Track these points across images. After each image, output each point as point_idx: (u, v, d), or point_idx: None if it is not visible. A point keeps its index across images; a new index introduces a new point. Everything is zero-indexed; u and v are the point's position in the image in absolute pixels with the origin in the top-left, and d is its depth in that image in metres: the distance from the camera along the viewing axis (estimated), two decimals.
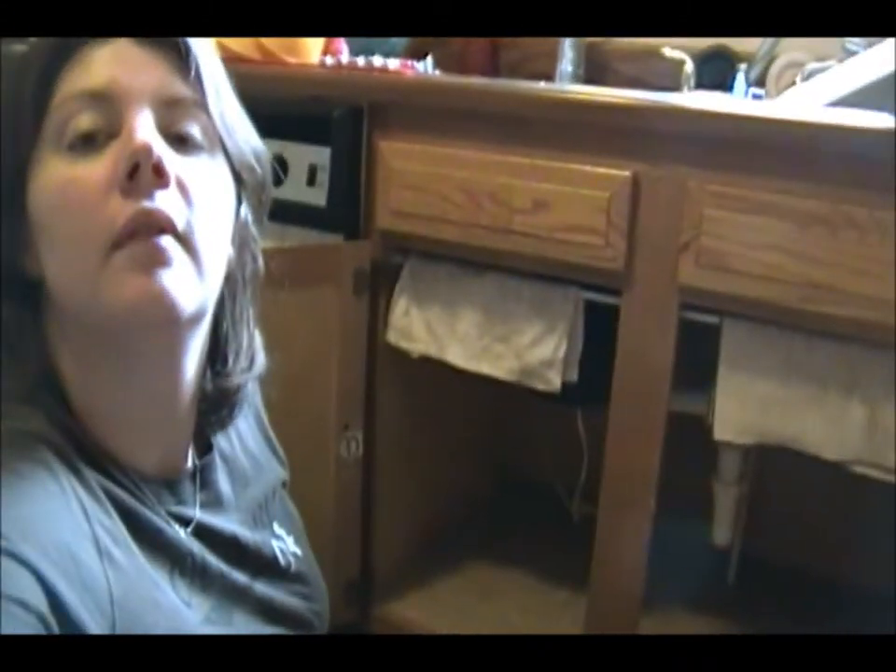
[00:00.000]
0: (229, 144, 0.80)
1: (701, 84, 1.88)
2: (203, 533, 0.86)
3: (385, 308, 1.61)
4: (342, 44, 1.92)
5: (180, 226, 0.73)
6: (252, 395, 0.98)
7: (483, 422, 2.03)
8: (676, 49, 1.91)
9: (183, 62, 0.76)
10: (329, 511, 1.60)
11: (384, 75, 1.68)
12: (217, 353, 0.88)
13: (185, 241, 0.74)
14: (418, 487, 1.82)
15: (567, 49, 2.02)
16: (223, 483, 0.92)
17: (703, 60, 1.90)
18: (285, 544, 0.98)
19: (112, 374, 0.79)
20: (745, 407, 1.31)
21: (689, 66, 1.90)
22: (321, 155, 1.56)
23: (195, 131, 0.77)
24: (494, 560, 1.89)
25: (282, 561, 0.95)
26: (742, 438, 1.33)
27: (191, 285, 0.75)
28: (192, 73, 0.76)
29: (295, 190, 1.55)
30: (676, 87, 1.89)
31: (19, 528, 0.65)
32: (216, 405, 0.90)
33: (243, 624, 0.87)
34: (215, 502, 0.90)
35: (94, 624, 0.68)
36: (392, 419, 1.70)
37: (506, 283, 1.50)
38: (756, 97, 1.75)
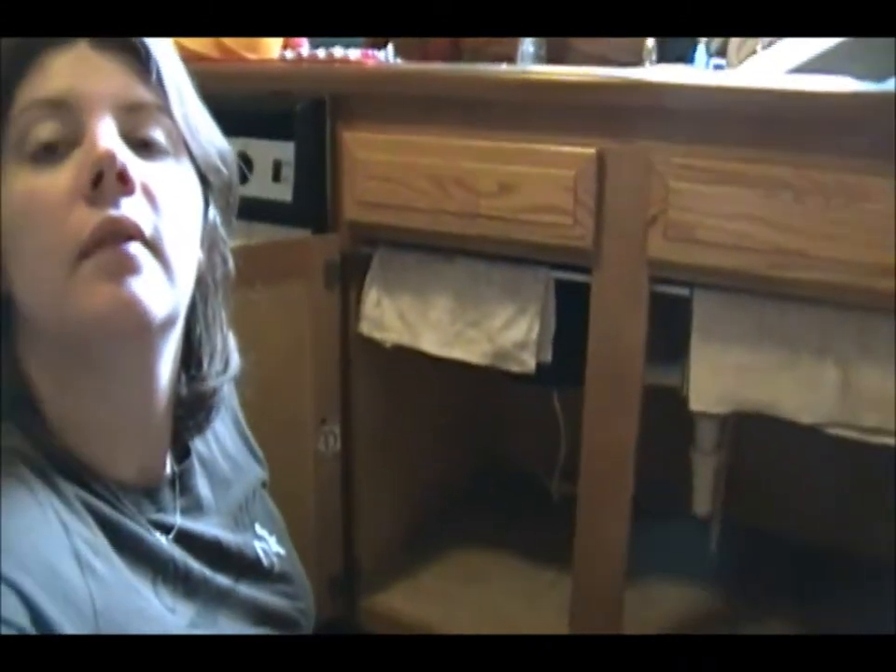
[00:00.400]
0: (193, 146, 0.79)
1: (662, 58, 1.89)
2: (185, 539, 0.85)
3: (356, 300, 1.61)
4: (301, 38, 1.91)
5: (148, 232, 0.72)
6: (228, 397, 0.97)
7: (461, 408, 2.03)
8: None
9: (143, 65, 0.75)
10: (310, 507, 1.60)
11: (344, 66, 1.68)
12: (190, 357, 0.87)
13: (153, 247, 0.72)
14: (398, 478, 1.83)
15: None
16: (202, 487, 0.91)
17: None
18: (267, 544, 0.97)
19: (85, 385, 0.78)
20: (719, 376, 1.32)
21: (651, 41, 1.90)
22: (285, 150, 1.56)
23: (158, 135, 0.76)
24: (478, 545, 1.90)
25: (265, 562, 0.95)
26: (718, 407, 1.34)
27: (161, 291, 0.74)
28: (153, 76, 0.75)
29: (261, 187, 1.55)
30: (638, 62, 1.90)
31: (0, 546, 0.65)
32: (192, 410, 0.89)
33: (228, 627, 0.87)
34: (195, 507, 0.89)
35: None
36: (369, 411, 1.70)
37: (476, 267, 1.50)
38: (717, 68, 1.75)
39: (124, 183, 0.70)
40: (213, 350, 0.88)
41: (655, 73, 1.55)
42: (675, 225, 1.27)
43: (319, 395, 1.57)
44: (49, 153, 0.72)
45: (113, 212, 0.70)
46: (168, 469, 0.87)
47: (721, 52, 1.79)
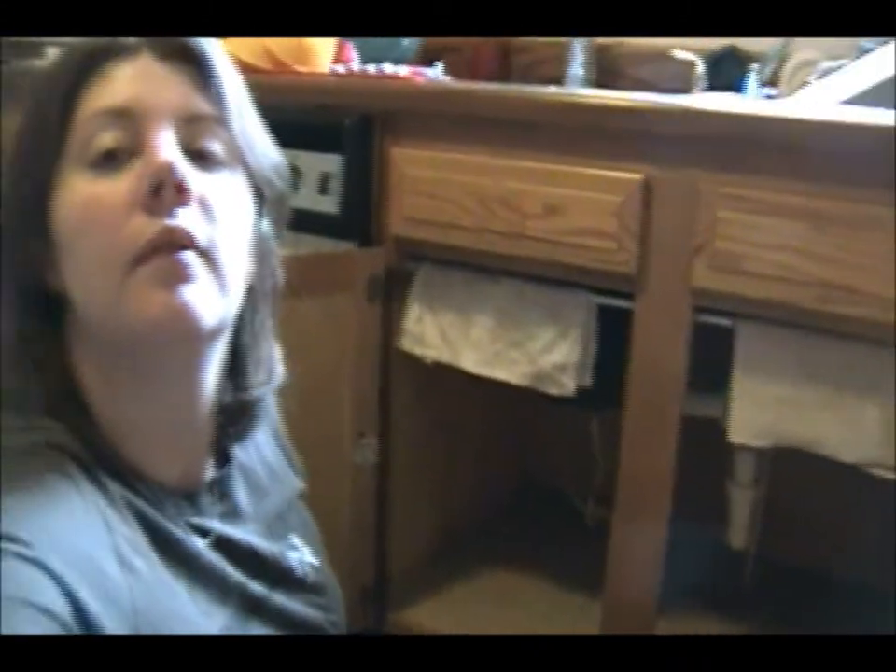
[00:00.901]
0: (248, 159, 0.80)
1: (712, 86, 1.88)
2: (222, 544, 0.86)
3: (398, 315, 1.61)
4: (352, 52, 1.92)
5: (202, 242, 0.74)
6: (270, 407, 0.98)
7: (498, 427, 2.03)
8: (686, 51, 1.91)
9: (204, 78, 0.76)
10: (345, 519, 1.60)
11: (394, 82, 1.68)
12: (236, 365, 0.88)
13: (207, 256, 0.74)
14: (433, 493, 1.82)
15: (578, 53, 2.03)
16: (241, 494, 0.92)
17: (714, 61, 1.90)
18: (301, 555, 0.97)
19: (133, 387, 0.79)
20: (760, 409, 1.31)
21: (699, 68, 1.90)
22: (333, 163, 1.57)
23: (216, 147, 0.77)
24: (509, 566, 1.89)
25: (299, 572, 0.95)
26: (757, 441, 1.33)
27: (213, 299, 0.75)
28: (213, 89, 0.77)
29: (307, 199, 1.55)
30: (687, 89, 1.89)
31: (44, 538, 0.66)
32: (234, 417, 0.90)
33: (267, 627, 0.88)
34: (233, 513, 0.90)
35: (116, 633, 0.68)
36: (407, 426, 1.70)
37: (519, 288, 1.50)
38: (768, 97, 1.74)
39: (181, 193, 0.72)
40: (258, 360, 0.89)
41: (704, 100, 1.54)
42: (720, 254, 1.26)
43: (358, 407, 1.58)
44: (110, 161, 0.73)
45: (169, 221, 0.72)
46: (208, 475, 0.88)
47: (773, 82, 1.79)
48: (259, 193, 0.83)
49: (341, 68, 1.84)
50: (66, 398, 0.78)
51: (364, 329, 1.56)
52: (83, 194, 0.73)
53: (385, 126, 1.55)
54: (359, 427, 1.59)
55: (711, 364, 1.38)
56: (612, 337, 1.45)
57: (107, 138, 0.73)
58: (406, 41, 2.02)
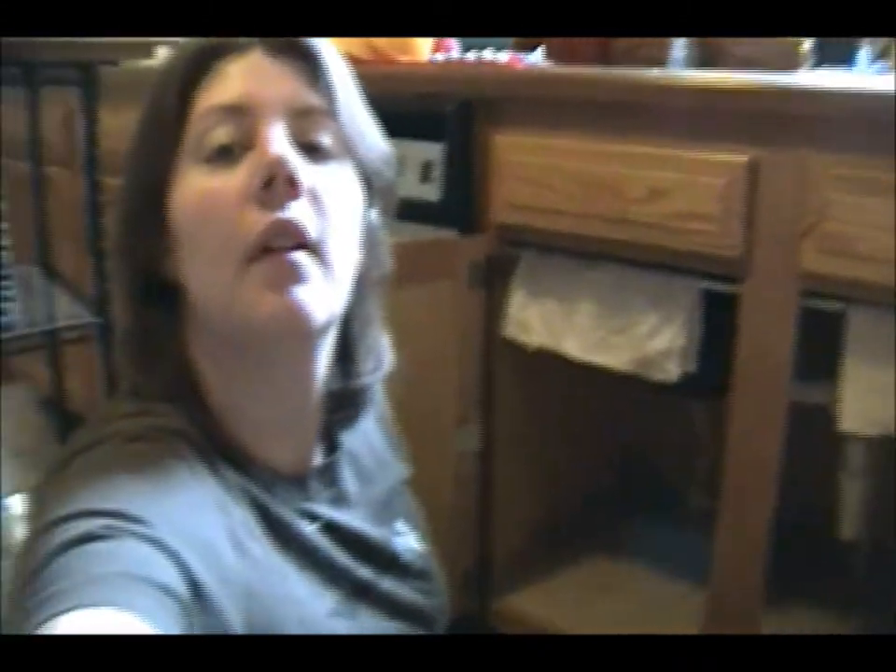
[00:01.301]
0: (358, 150, 0.80)
1: (820, 62, 1.83)
2: (330, 529, 0.86)
3: (501, 301, 1.61)
4: (452, 40, 1.93)
5: (313, 235, 0.74)
6: (378, 393, 0.98)
7: (601, 414, 2.01)
8: None
9: (313, 71, 0.77)
10: (447, 505, 1.61)
11: (494, 69, 1.69)
12: (345, 353, 0.90)
13: (318, 251, 0.75)
14: (536, 480, 1.82)
15: None
16: (349, 480, 0.93)
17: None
18: (407, 541, 0.97)
19: (245, 377, 0.81)
20: (872, 397, 1.28)
21: (806, 45, 1.85)
22: (434, 151, 1.58)
23: (326, 139, 0.78)
24: (611, 552, 1.88)
25: (404, 558, 0.96)
26: (869, 428, 1.30)
27: (323, 296, 0.76)
28: (323, 82, 0.77)
29: (409, 187, 1.57)
30: (793, 67, 1.84)
31: (163, 519, 0.67)
32: (343, 404, 0.92)
33: (367, 619, 0.88)
34: (341, 499, 0.91)
35: (231, 613, 0.70)
36: (510, 412, 1.70)
37: (622, 273, 1.48)
38: (881, 72, 1.68)
39: (293, 187, 0.73)
40: (367, 348, 0.90)
41: (812, 78, 1.50)
42: (830, 237, 1.23)
43: (461, 394, 1.59)
44: (224, 156, 0.75)
45: (281, 215, 0.73)
46: (317, 461, 0.90)
47: (885, 55, 1.73)
48: (367, 184, 0.83)
49: (441, 56, 1.85)
50: (182, 384, 0.81)
51: (466, 316, 1.57)
52: (198, 188, 0.75)
53: (486, 113, 1.56)
54: (462, 413, 1.60)
55: (820, 349, 1.35)
56: (717, 322, 1.43)
57: (221, 133, 0.75)
58: None
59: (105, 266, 1.63)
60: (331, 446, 0.93)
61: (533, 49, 1.91)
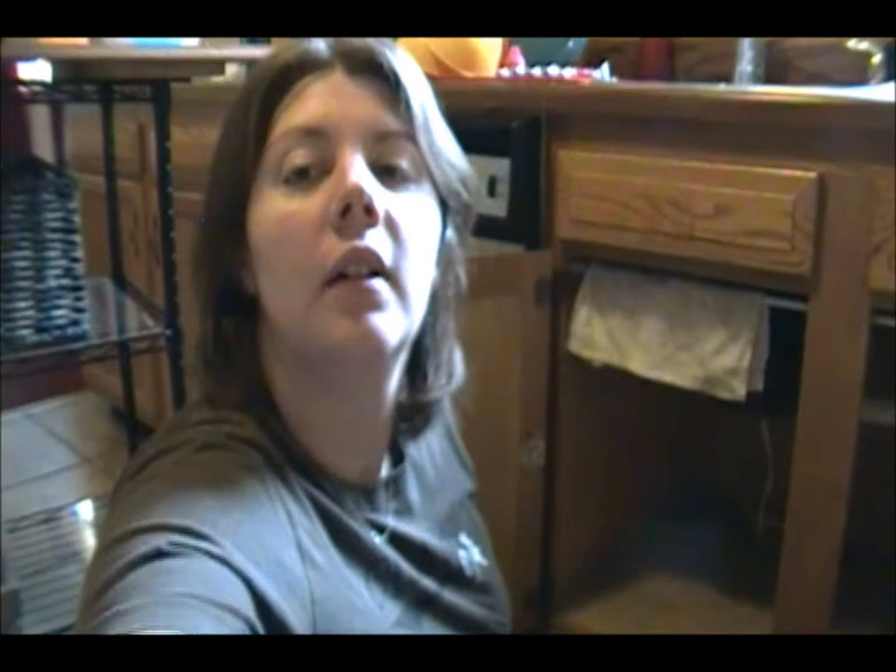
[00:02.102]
0: (435, 172, 0.81)
1: (890, 75, 1.80)
2: (396, 540, 0.88)
3: (566, 317, 1.61)
4: (518, 55, 1.94)
5: (388, 263, 0.76)
6: (445, 407, 0.99)
7: (666, 432, 2.00)
8: (863, 41, 1.83)
9: (393, 93, 0.78)
10: (512, 520, 1.61)
11: (560, 84, 1.69)
12: (417, 367, 0.91)
13: (393, 278, 0.76)
14: (600, 496, 1.82)
15: (746, 49, 1.98)
16: (414, 492, 0.94)
17: (893, 49, 1.81)
18: (471, 554, 0.99)
19: (318, 390, 0.83)
20: None
21: (877, 58, 1.82)
22: (501, 166, 1.58)
23: (404, 162, 0.78)
24: (674, 572, 1.86)
25: (468, 571, 0.97)
26: None
27: (397, 321, 0.77)
28: (402, 105, 0.78)
29: (476, 202, 1.57)
30: (863, 80, 1.82)
31: (231, 534, 0.69)
32: (412, 416, 0.93)
33: (431, 630, 0.89)
34: (406, 510, 0.92)
35: (297, 624, 0.71)
36: (574, 428, 1.70)
37: (688, 290, 1.48)
38: None
39: (370, 215, 0.74)
40: (439, 363, 0.91)
41: (882, 92, 1.48)
42: None
43: (526, 409, 1.59)
44: (302, 177, 0.76)
45: (358, 242, 0.74)
46: (384, 472, 0.91)
47: None
48: (444, 204, 0.84)
49: (507, 72, 1.86)
50: (256, 394, 0.83)
51: (532, 332, 1.57)
52: (278, 210, 0.76)
53: (552, 128, 1.56)
54: (527, 429, 1.60)
55: (891, 369, 1.33)
56: (785, 340, 1.41)
57: (301, 156, 0.76)
58: (571, 43, 2.02)
59: (175, 278, 1.66)
60: (398, 457, 0.94)
61: (599, 64, 1.91)
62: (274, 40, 2.22)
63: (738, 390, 1.43)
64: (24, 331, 1.52)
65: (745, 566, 1.83)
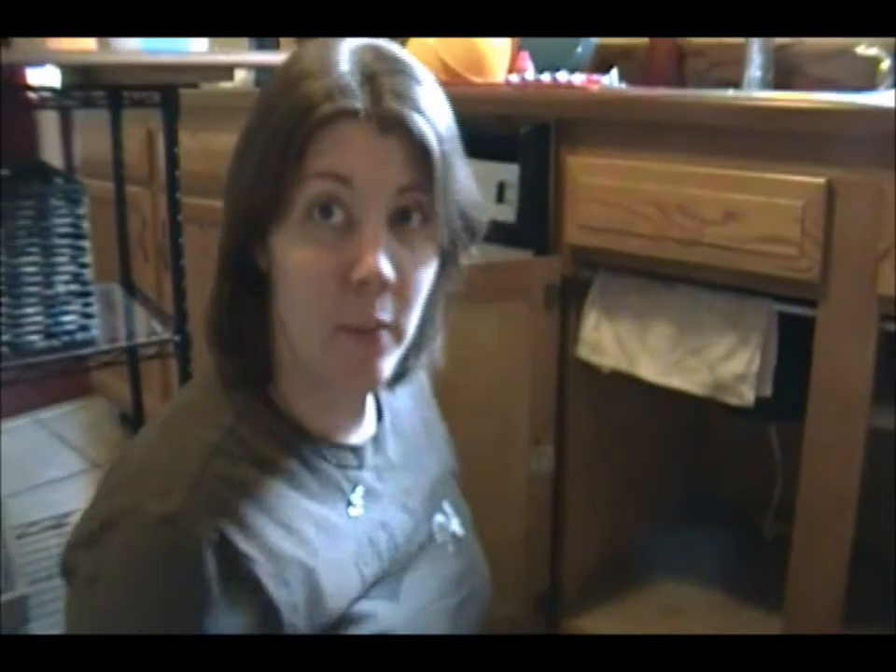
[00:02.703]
0: (446, 220, 0.85)
1: None
2: (378, 496, 0.96)
3: (575, 323, 1.61)
4: (526, 61, 1.94)
5: (392, 320, 0.84)
6: (423, 388, 1.13)
7: (674, 437, 2.00)
8: (872, 46, 1.83)
9: (420, 150, 0.81)
10: (520, 525, 1.61)
11: (569, 90, 1.69)
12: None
13: (396, 330, 0.85)
14: (609, 501, 1.82)
15: (755, 55, 1.98)
16: (395, 452, 1.02)
17: None
18: (448, 523, 1.05)
19: (317, 382, 0.90)
20: None
21: (886, 63, 1.82)
22: (509, 172, 1.58)
23: (417, 216, 0.84)
24: (683, 577, 1.86)
25: (438, 538, 1.03)
26: None
27: (394, 359, 0.88)
28: (426, 164, 0.81)
29: (485, 211, 1.57)
30: (872, 86, 1.82)
31: (236, 524, 0.80)
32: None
33: (412, 590, 0.95)
34: (388, 468, 0.99)
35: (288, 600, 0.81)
36: (583, 434, 1.70)
37: (697, 295, 1.47)
38: None
39: (384, 288, 0.82)
40: (420, 347, 0.97)
41: (891, 98, 1.48)
42: None
43: (535, 415, 1.59)
44: (327, 226, 0.82)
45: (371, 312, 0.82)
46: (369, 432, 0.99)
47: None
48: (448, 247, 0.89)
49: (515, 77, 1.86)
50: (260, 365, 0.91)
51: (540, 337, 1.57)
52: (302, 252, 0.82)
53: (561, 134, 1.56)
54: (535, 434, 1.60)
55: None
56: (794, 346, 1.41)
57: (327, 204, 0.81)
58: (580, 48, 2.02)
59: (183, 283, 1.66)
60: (378, 416, 1.03)
61: (608, 70, 1.91)
62: (283, 41, 2.23)
63: (747, 396, 1.43)
64: (33, 337, 1.53)
65: (753, 571, 1.82)
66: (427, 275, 0.87)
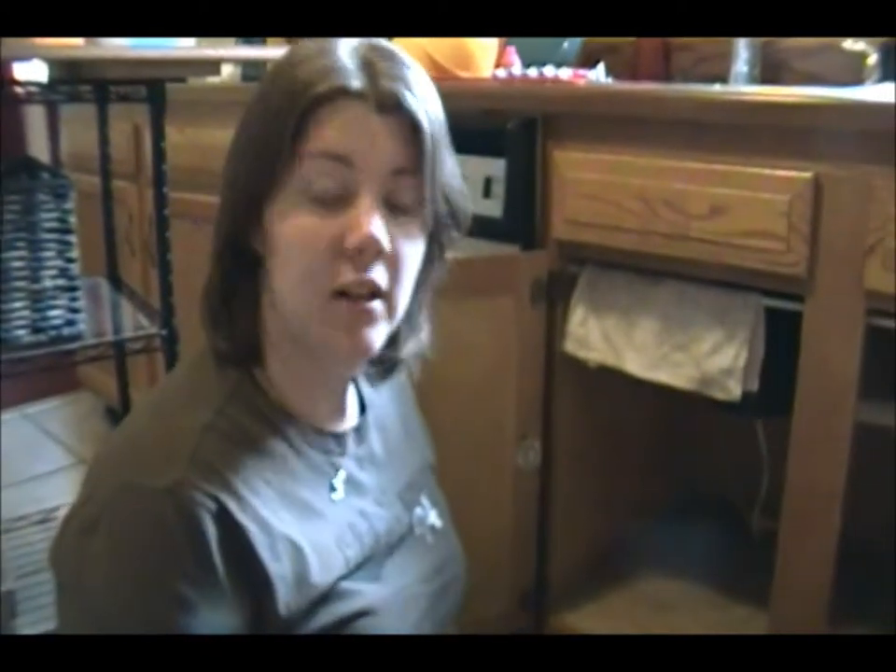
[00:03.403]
0: (435, 206, 0.90)
1: (888, 76, 1.80)
2: (359, 485, 0.98)
3: (562, 318, 1.61)
4: (513, 56, 1.94)
5: (386, 287, 0.88)
6: (403, 385, 1.15)
7: (661, 432, 2.00)
8: (858, 41, 1.83)
9: (413, 133, 0.85)
10: (507, 520, 1.61)
11: (556, 85, 1.69)
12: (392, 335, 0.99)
13: (387, 299, 0.89)
14: (595, 498, 1.82)
15: (742, 50, 1.98)
16: (377, 444, 1.04)
17: (888, 50, 1.81)
18: (426, 515, 1.08)
19: (305, 361, 0.94)
20: None
21: (872, 58, 1.82)
22: (496, 167, 1.58)
23: (408, 198, 0.88)
24: (670, 573, 1.86)
25: (417, 530, 1.05)
26: None
27: (385, 331, 0.91)
28: (418, 146, 0.86)
29: (471, 202, 1.57)
30: (858, 81, 1.82)
31: (233, 496, 0.82)
32: (374, 364, 1.03)
33: (394, 574, 0.98)
34: (369, 460, 1.02)
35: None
36: (570, 429, 1.70)
37: (684, 290, 1.48)
38: None
39: (378, 255, 0.86)
40: (411, 331, 1.01)
41: (877, 92, 1.49)
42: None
43: (521, 409, 1.59)
44: (324, 199, 0.85)
45: (365, 275, 0.86)
46: (352, 420, 1.02)
47: None
48: (434, 234, 0.94)
49: (503, 72, 1.86)
50: (251, 350, 0.93)
51: (527, 332, 1.57)
52: (299, 224, 0.86)
53: (548, 129, 1.56)
54: (522, 429, 1.60)
55: (887, 369, 1.33)
56: (780, 341, 1.41)
57: (327, 181, 0.84)
58: (566, 44, 2.02)
59: (170, 278, 1.66)
60: (363, 409, 1.05)
61: (594, 65, 1.91)
62: (270, 40, 2.23)
63: (734, 390, 1.44)
64: (20, 331, 1.53)
65: (740, 566, 1.83)
66: (416, 253, 0.91)
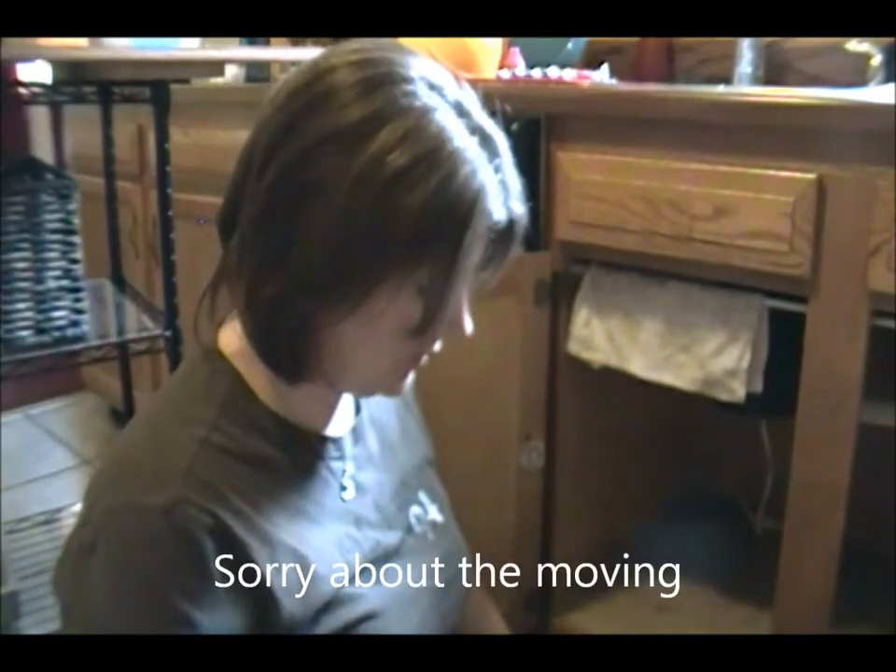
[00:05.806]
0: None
1: (892, 77, 1.80)
2: (359, 486, 0.97)
3: (565, 318, 1.61)
4: (517, 57, 1.94)
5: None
6: None
7: (665, 433, 2.00)
8: (862, 42, 1.83)
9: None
10: (510, 521, 1.61)
11: (560, 86, 1.69)
12: None
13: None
14: (599, 498, 1.82)
15: (746, 50, 1.98)
16: (374, 443, 1.03)
17: (893, 50, 1.81)
18: (426, 511, 1.06)
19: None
20: None
21: (876, 59, 1.82)
22: None
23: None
24: (674, 573, 1.86)
25: (417, 528, 1.04)
26: None
27: None
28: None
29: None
30: (863, 82, 1.82)
31: (230, 511, 0.81)
32: None
33: (396, 576, 0.96)
34: (367, 459, 1.01)
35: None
36: (573, 430, 1.70)
37: (688, 291, 1.48)
38: None
39: None
40: None
41: (881, 93, 1.48)
42: None
43: (525, 410, 1.59)
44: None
45: (431, 350, 0.89)
46: (349, 423, 1.00)
47: None
48: None
49: (506, 73, 1.86)
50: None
51: (531, 333, 1.57)
52: (376, 342, 0.85)
53: (552, 130, 1.56)
54: (526, 429, 1.60)
55: (891, 370, 1.32)
56: (784, 341, 1.41)
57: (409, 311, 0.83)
58: (570, 44, 2.02)
59: (174, 279, 1.66)
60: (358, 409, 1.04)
61: (598, 66, 1.91)
62: (274, 40, 2.23)
63: (737, 392, 1.44)
64: (24, 333, 1.53)
65: (744, 567, 1.83)
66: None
